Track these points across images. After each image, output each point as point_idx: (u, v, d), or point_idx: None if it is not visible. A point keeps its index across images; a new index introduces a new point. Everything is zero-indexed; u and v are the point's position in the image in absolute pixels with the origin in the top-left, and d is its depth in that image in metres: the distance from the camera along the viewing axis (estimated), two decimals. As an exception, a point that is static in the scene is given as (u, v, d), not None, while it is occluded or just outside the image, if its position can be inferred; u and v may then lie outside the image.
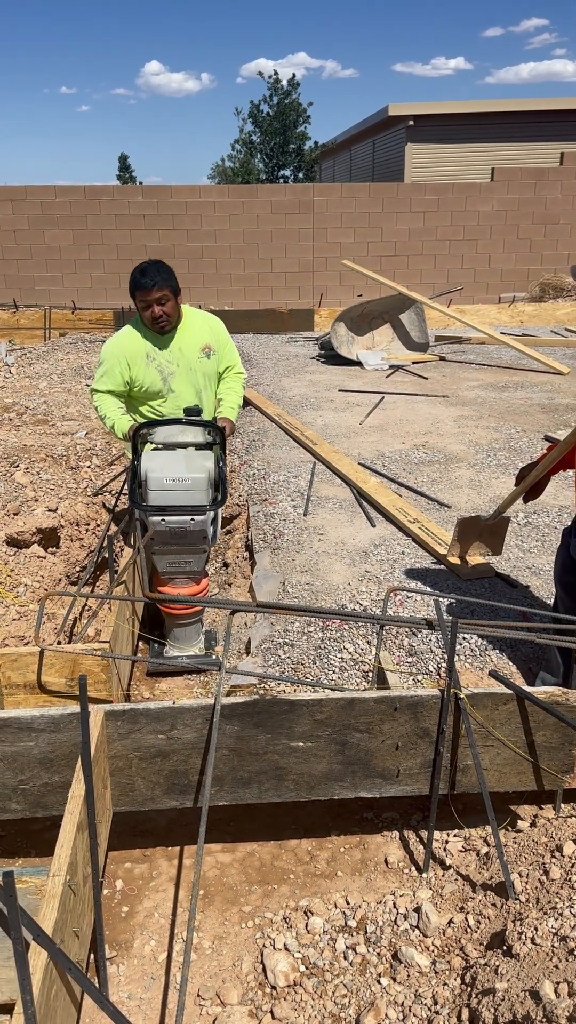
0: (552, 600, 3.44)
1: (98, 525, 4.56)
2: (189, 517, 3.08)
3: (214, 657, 3.45)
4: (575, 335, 10.30)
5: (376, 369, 8.53)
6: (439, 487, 4.86)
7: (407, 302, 9.31)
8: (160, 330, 3.37)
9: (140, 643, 3.66)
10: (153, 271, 3.25)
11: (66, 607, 3.62)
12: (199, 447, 3.19)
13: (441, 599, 3.30)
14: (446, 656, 2.29)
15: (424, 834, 2.54)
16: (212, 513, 3.16)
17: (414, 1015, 1.92)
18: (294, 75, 30.06)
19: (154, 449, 3.18)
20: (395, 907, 2.26)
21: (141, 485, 3.08)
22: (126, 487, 3.57)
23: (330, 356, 9.03)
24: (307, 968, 2.11)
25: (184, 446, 3.18)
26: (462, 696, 2.29)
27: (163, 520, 3.08)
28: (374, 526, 4.29)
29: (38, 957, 1.52)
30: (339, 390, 7.54)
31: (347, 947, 2.16)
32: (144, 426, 3.25)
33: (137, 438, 3.19)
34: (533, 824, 2.47)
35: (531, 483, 3.07)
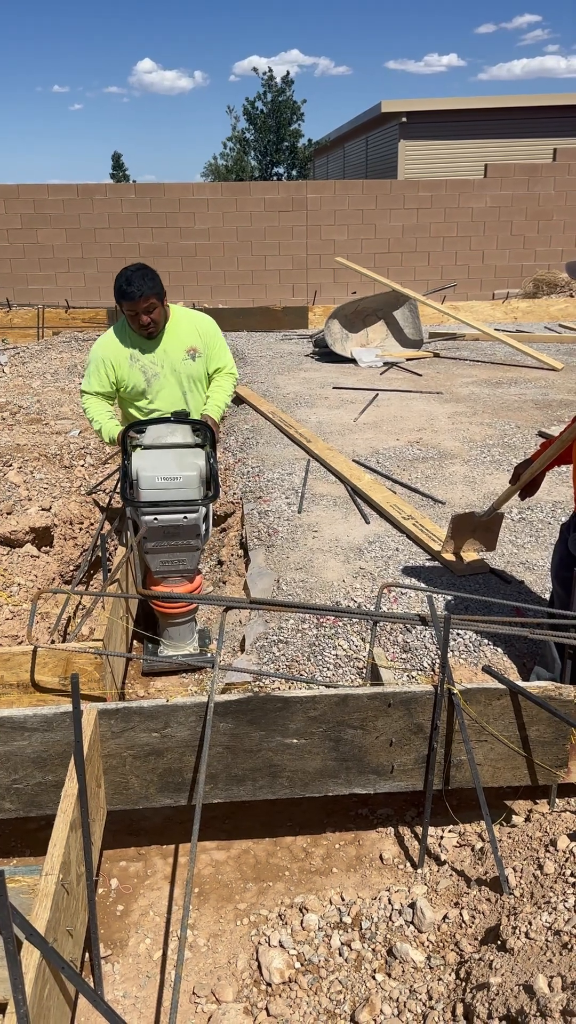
0: (547, 595, 3.45)
1: (92, 524, 4.55)
2: (182, 515, 3.07)
3: (208, 655, 3.45)
4: (568, 331, 10.31)
5: (370, 366, 8.53)
6: (433, 483, 4.86)
7: (401, 299, 9.30)
8: (148, 336, 3.37)
9: (134, 641, 3.65)
10: (139, 280, 3.19)
11: (60, 606, 3.61)
12: (188, 447, 3.19)
13: (435, 595, 3.30)
14: (440, 652, 2.29)
15: (419, 830, 2.54)
16: (204, 510, 3.15)
17: (409, 1010, 1.92)
18: (288, 72, 29.97)
19: (144, 449, 3.18)
20: (390, 903, 2.26)
21: (132, 485, 3.08)
22: (119, 486, 3.56)
23: (324, 353, 9.02)
24: (302, 965, 2.11)
25: (172, 447, 3.17)
26: (456, 692, 2.29)
27: (156, 519, 3.07)
28: (368, 523, 4.29)
29: (30, 956, 1.51)
30: (333, 387, 7.53)
31: (342, 943, 2.16)
32: (132, 426, 3.25)
33: (126, 440, 3.20)
34: (527, 819, 2.48)
35: (527, 480, 3.07)
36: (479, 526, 3.57)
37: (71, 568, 4.25)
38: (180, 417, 3.25)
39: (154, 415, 3.50)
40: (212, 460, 3.15)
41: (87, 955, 2.06)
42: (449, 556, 3.73)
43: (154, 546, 3.17)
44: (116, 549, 3.64)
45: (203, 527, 3.17)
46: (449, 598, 3.39)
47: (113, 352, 3.41)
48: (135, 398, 3.50)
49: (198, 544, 3.21)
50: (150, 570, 3.30)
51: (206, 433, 3.26)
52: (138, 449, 3.18)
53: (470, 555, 3.75)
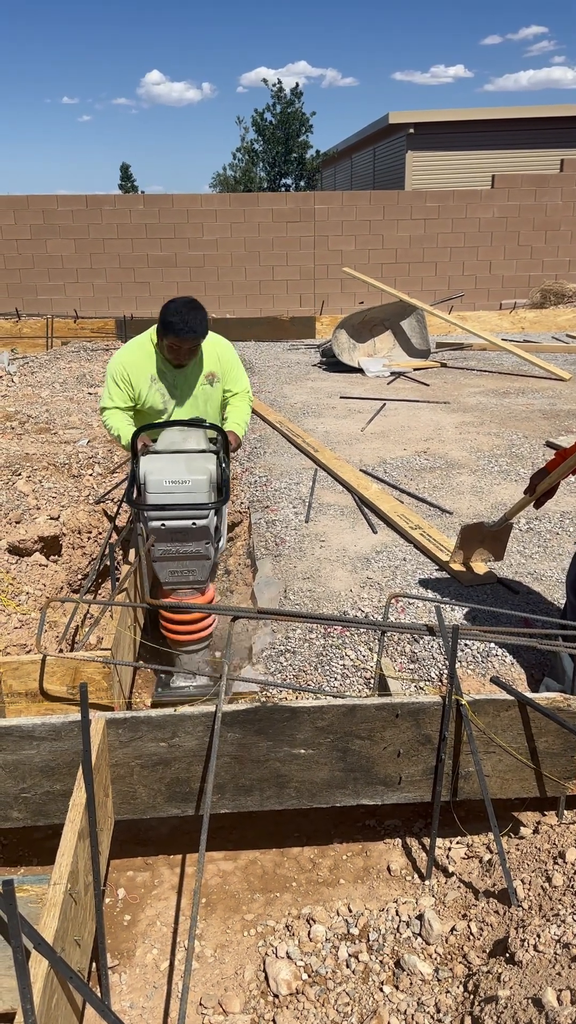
0: (557, 605, 3.44)
1: (100, 533, 4.57)
2: (190, 521, 3.00)
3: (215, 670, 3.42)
4: (576, 341, 10.31)
5: (377, 376, 8.55)
6: (441, 493, 4.86)
7: (408, 309, 9.33)
8: (177, 366, 3.36)
9: (141, 650, 3.66)
10: (193, 320, 3.13)
11: (68, 615, 3.63)
12: (200, 452, 3.15)
13: (442, 605, 3.29)
14: (448, 662, 2.29)
15: (426, 841, 2.53)
16: (215, 518, 3.08)
17: (417, 1023, 1.91)
18: (297, 84, 30.14)
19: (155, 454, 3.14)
20: (398, 915, 2.25)
21: (140, 490, 3.02)
22: (126, 490, 3.55)
23: (331, 363, 9.05)
24: (309, 976, 2.10)
25: (184, 452, 3.14)
26: (464, 702, 2.28)
27: (163, 524, 3.00)
28: (376, 533, 4.29)
29: (39, 966, 1.51)
30: (340, 397, 7.55)
31: (349, 955, 2.15)
32: (145, 428, 3.20)
33: (136, 443, 3.15)
34: (536, 831, 2.47)
35: (544, 490, 3.09)
36: (488, 536, 3.57)
37: (79, 577, 4.26)
38: (195, 421, 3.22)
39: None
40: (224, 465, 3.10)
41: (94, 965, 2.05)
42: (457, 566, 3.72)
43: (163, 554, 3.09)
44: (125, 556, 3.65)
45: (214, 535, 3.09)
46: (457, 608, 3.39)
47: (133, 368, 3.39)
48: (153, 416, 3.50)
49: (208, 552, 3.10)
50: (160, 584, 3.23)
51: (219, 439, 3.24)
52: (149, 453, 3.12)
53: (478, 566, 3.75)
